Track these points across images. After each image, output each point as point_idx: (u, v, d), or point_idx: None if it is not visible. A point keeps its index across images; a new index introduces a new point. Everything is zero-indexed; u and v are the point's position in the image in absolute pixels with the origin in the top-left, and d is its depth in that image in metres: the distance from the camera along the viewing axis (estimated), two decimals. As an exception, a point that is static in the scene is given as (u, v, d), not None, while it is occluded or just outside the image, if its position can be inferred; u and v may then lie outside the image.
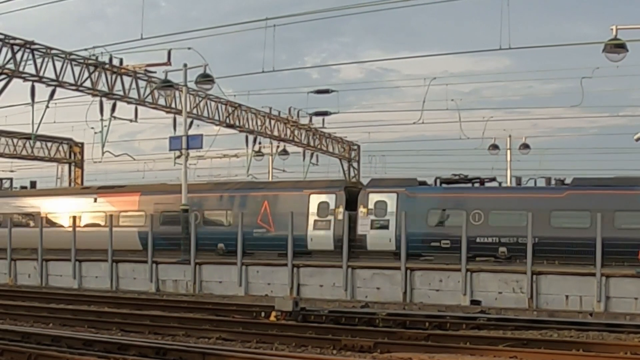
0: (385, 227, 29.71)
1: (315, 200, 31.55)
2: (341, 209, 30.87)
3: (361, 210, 30.64)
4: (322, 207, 31.49)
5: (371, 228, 29.74)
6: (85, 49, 31.59)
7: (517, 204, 29.05)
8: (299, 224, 29.72)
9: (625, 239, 25.70)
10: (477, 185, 31.23)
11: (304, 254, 29.95)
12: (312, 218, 31.43)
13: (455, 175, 31.50)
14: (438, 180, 31.46)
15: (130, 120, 35.67)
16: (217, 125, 39.87)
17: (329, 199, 31.65)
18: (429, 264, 26.95)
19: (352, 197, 31.40)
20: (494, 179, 32.04)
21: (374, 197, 30.85)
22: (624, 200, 27.68)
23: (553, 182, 30.26)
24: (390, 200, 30.51)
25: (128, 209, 35.29)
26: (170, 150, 33.82)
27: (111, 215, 32.95)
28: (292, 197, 32.20)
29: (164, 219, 33.59)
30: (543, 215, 27.86)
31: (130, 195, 35.94)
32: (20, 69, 29.48)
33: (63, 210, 36.44)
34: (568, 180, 29.98)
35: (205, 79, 31.17)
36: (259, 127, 42.60)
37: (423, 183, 31.75)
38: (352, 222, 29.83)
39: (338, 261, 27.23)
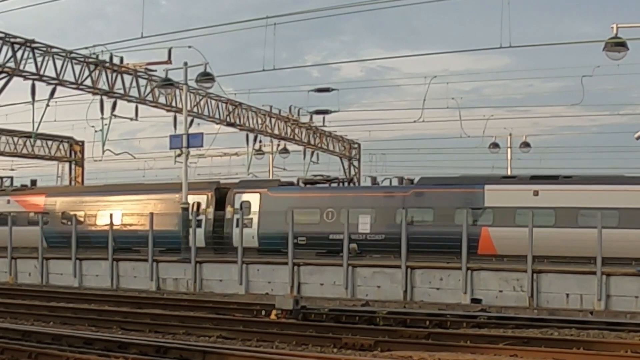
0: (249, 225, 31.13)
1: (190, 200, 32.46)
2: (211, 209, 33.30)
3: (228, 209, 32.79)
4: (194, 208, 33.02)
5: (237, 226, 30.52)
6: (86, 48, 31.69)
7: (366, 202, 31.02)
8: (175, 223, 32.04)
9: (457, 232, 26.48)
10: (334, 185, 33.59)
11: (179, 250, 31.23)
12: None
13: (316, 176, 34.04)
14: (300, 181, 33.91)
15: (131, 119, 35.74)
16: (217, 123, 39.91)
17: (202, 199, 33.80)
18: (430, 263, 26.93)
19: (223, 198, 33.59)
20: (351, 180, 34.76)
21: (239, 198, 33.07)
22: (464, 198, 29.48)
23: (404, 182, 32.47)
24: (253, 200, 32.69)
25: (35, 209, 37.20)
26: (171, 148, 33.83)
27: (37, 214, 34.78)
28: (171, 199, 34.13)
29: (63, 218, 35.93)
30: (390, 213, 30.04)
31: (37, 196, 38.32)
32: (21, 67, 29.52)
33: None
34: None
35: (206, 77, 31.18)
36: (260, 126, 42.62)
37: (289, 184, 34.25)
38: (221, 221, 32.29)
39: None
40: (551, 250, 26.56)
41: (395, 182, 32.74)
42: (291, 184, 34.43)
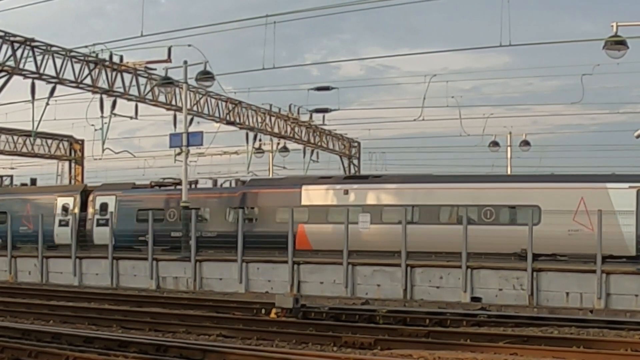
0: (106, 224, 33.44)
1: (60, 202, 37.08)
2: (77, 209, 36.40)
3: (90, 210, 36.22)
4: (65, 208, 37.06)
5: (97, 225, 34.55)
6: (86, 46, 31.68)
7: (202, 202, 33.76)
8: (49, 222, 35.30)
9: (285, 231, 28.44)
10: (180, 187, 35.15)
11: (51, 247, 34.71)
12: (58, 217, 36.54)
13: (165, 179, 37.25)
14: (151, 183, 37.16)
15: (131, 118, 35.71)
16: (217, 122, 39.89)
17: (70, 201, 37.35)
18: (430, 261, 26.94)
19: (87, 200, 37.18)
20: (196, 182, 37.30)
21: (99, 199, 36.33)
22: (284, 198, 32.14)
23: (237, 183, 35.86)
24: (110, 201, 35.85)
25: None
26: (171, 147, 33.83)
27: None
28: (47, 200, 37.92)
29: None
30: (221, 212, 33.13)
31: None
32: (21, 66, 29.50)
33: None
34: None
35: (206, 76, 31.17)
36: (260, 124, 42.60)
37: (142, 186, 37.29)
38: (85, 220, 35.64)
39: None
40: (361, 245, 28.31)
41: (234, 184, 35.92)
42: (145, 186, 37.37)
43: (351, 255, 27.08)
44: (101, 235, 33.79)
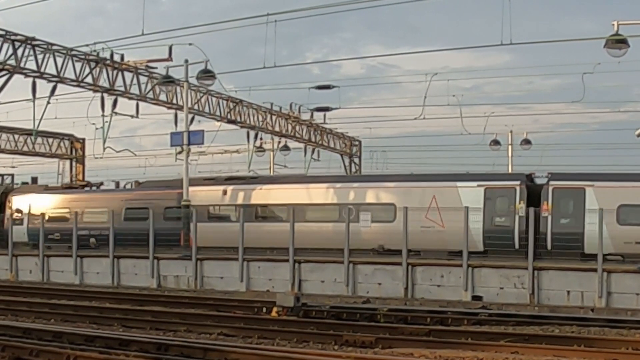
0: (21, 223, 37.20)
1: None
2: None
3: (7, 211, 38.42)
4: None
5: (13, 225, 35.65)
6: (87, 45, 31.66)
7: (101, 202, 36.89)
8: None
9: (174, 228, 31.84)
10: (87, 189, 40.01)
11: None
12: None
13: (72, 181, 40.83)
14: (63, 185, 40.60)
15: (132, 116, 35.69)
16: (218, 121, 39.88)
17: None
18: (430, 260, 26.94)
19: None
20: (101, 184, 41.22)
21: (17, 200, 39.11)
22: (170, 198, 34.58)
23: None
24: (26, 202, 38.63)
25: None
26: (172, 146, 33.87)
27: None
28: None
29: None
30: (118, 211, 34.74)
31: None
32: (22, 65, 29.50)
33: None
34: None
35: (207, 74, 31.17)
36: (260, 123, 42.59)
37: (56, 189, 40.26)
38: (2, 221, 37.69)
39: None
40: (234, 242, 29.46)
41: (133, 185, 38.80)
42: (57, 188, 40.43)
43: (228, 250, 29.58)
44: (16, 233, 35.76)
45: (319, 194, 32.24)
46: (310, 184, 33.33)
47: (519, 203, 28.75)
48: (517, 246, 27.68)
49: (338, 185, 32.55)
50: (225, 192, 33.96)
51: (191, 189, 32.51)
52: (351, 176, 38.76)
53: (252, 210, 32.77)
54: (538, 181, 30.33)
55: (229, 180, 35.55)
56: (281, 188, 33.44)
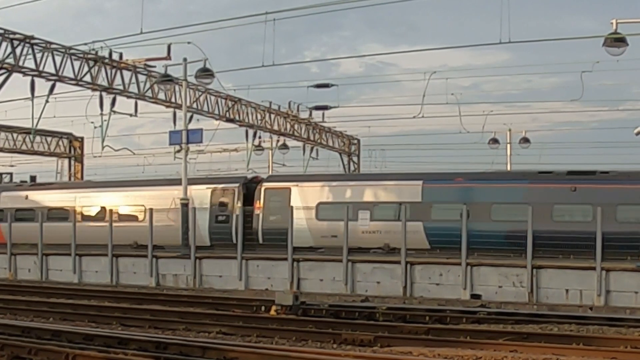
0: None
1: None
2: None
3: None
4: None
5: None
6: (85, 44, 31.60)
7: None
8: None
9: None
10: None
11: None
12: None
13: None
14: None
15: (130, 115, 35.64)
16: (217, 119, 39.86)
17: None
18: (430, 258, 26.95)
19: None
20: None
21: None
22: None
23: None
24: None
25: None
26: (170, 144, 33.77)
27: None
28: None
29: None
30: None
31: None
32: (20, 63, 29.45)
33: None
34: None
35: (205, 73, 31.13)
36: (259, 122, 42.58)
37: None
38: None
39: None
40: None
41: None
42: None
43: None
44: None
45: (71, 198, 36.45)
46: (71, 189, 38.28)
47: (237, 203, 32.26)
48: (234, 240, 30.36)
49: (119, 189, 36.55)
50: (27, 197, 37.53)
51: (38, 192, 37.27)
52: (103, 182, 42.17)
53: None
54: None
55: (78, 186, 40.61)
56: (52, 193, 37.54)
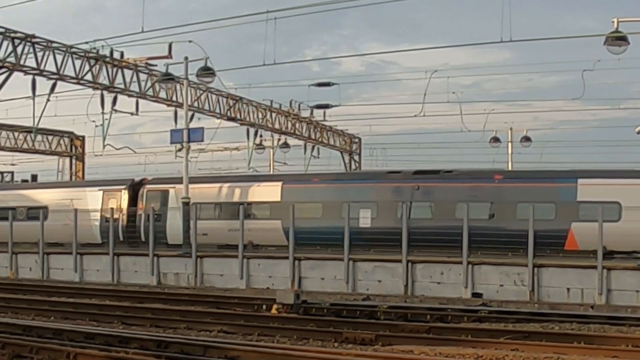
0: None
1: None
2: None
3: None
4: None
5: None
6: (86, 43, 31.63)
7: None
8: None
9: None
10: None
11: None
12: None
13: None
14: None
15: (131, 114, 35.67)
16: (218, 118, 39.85)
17: None
18: (431, 257, 26.94)
19: None
20: None
21: None
22: None
23: None
24: None
25: None
26: (172, 143, 33.83)
27: None
28: None
29: None
30: None
31: None
32: (21, 62, 29.47)
33: None
34: None
35: (206, 72, 31.12)
36: (260, 120, 42.57)
37: None
38: None
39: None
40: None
41: None
42: None
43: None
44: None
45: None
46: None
47: (124, 204, 35.23)
48: (121, 238, 33.77)
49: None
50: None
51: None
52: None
53: None
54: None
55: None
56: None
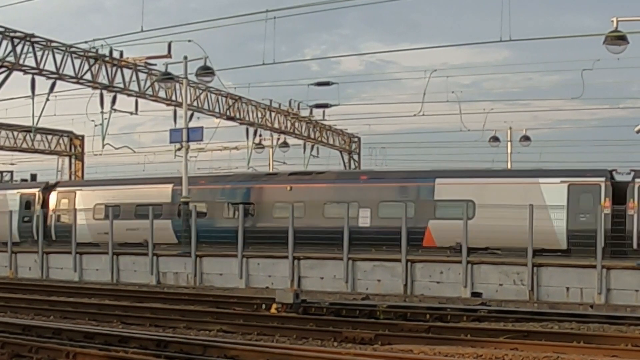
0: None
1: None
2: None
3: None
4: None
5: None
6: (86, 42, 31.64)
7: None
8: None
9: None
10: None
11: None
12: None
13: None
14: None
15: (131, 113, 35.69)
16: (217, 117, 39.87)
17: None
18: (430, 257, 26.95)
19: None
20: None
21: None
22: None
23: None
24: None
25: None
26: (171, 142, 33.83)
27: None
28: None
29: None
30: None
31: None
32: (21, 61, 29.47)
33: None
34: None
35: (206, 71, 31.14)
36: (260, 120, 42.57)
37: None
38: None
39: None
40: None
41: None
42: None
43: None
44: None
45: None
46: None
47: (37, 205, 37.18)
48: (36, 237, 34.56)
49: None
50: None
51: None
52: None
53: None
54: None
55: None
56: None
